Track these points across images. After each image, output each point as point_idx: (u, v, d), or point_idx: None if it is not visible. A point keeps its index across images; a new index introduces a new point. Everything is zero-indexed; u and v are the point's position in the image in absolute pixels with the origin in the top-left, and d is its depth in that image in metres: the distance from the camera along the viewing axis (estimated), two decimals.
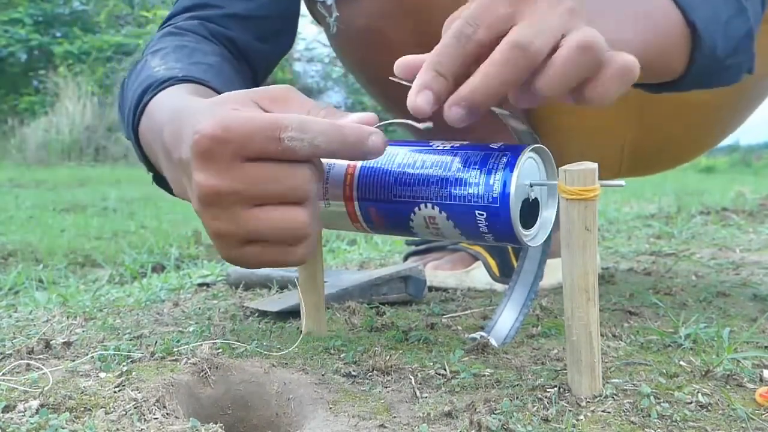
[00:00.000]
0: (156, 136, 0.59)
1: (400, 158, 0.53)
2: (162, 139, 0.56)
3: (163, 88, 0.64)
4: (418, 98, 0.45)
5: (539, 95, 0.46)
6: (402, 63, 0.48)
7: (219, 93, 0.66)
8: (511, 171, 0.48)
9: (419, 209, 0.52)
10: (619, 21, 0.55)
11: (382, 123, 0.50)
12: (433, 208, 0.51)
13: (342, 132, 0.46)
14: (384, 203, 0.53)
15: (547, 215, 0.52)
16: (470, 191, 0.49)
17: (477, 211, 0.49)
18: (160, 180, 0.70)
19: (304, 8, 0.87)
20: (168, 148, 0.54)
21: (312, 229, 0.49)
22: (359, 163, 0.55)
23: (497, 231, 0.49)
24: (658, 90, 0.66)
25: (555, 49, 0.45)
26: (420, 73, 0.46)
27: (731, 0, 0.63)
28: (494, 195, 0.48)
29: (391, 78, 0.48)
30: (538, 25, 0.44)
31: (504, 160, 0.48)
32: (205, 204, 0.48)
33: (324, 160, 0.55)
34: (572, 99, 0.48)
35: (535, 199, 0.51)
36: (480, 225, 0.49)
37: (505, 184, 0.48)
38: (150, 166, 0.69)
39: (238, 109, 0.48)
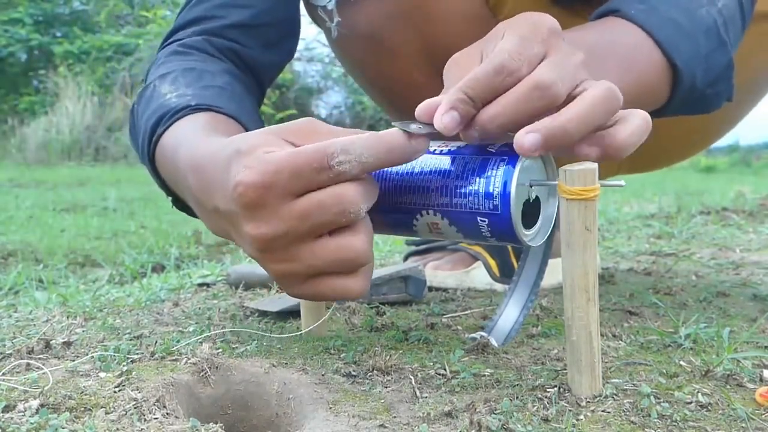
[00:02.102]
0: (178, 177, 0.59)
1: (397, 167, 0.53)
2: (188, 186, 0.56)
3: (177, 119, 0.64)
4: (445, 117, 0.46)
5: (556, 136, 0.47)
6: (424, 108, 0.48)
7: (233, 118, 0.66)
8: (511, 177, 0.48)
9: (421, 215, 0.52)
10: (604, 68, 0.58)
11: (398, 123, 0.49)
12: (435, 214, 0.51)
13: (384, 141, 0.46)
14: (386, 210, 0.53)
15: (547, 215, 0.52)
16: (471, 199, 0.49)
17: (479, 218, 0.49)
18: (182, 205, 0.70)
19: (303, 9, 0.87)
20: (198, 197, 0.54)
21: (367, 256, 0.49)
22: None
23: (499, 234, 0.50)
24: None
25: (572, 96, 0.47)
26: (451, 93, 0.46)
27: (712, 34, 0.65)
28: (495, 203, 0.48)
29: (394, 124, 0.48)
30: (562, 69, 0.47)
31: (503, 165, 0.48)
32: (261, 250, 0.48)
33: None
34: (593, 150, 0.49)
35: (536, 197, 0.51)
36: (482, 230, 0.50)
37: (505, 191, 0.48)
38: (168, 191, 0.69)
39: (272, 150, 0.47)
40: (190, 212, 0.70)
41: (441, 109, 0.46)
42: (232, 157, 0.48)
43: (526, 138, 0.45)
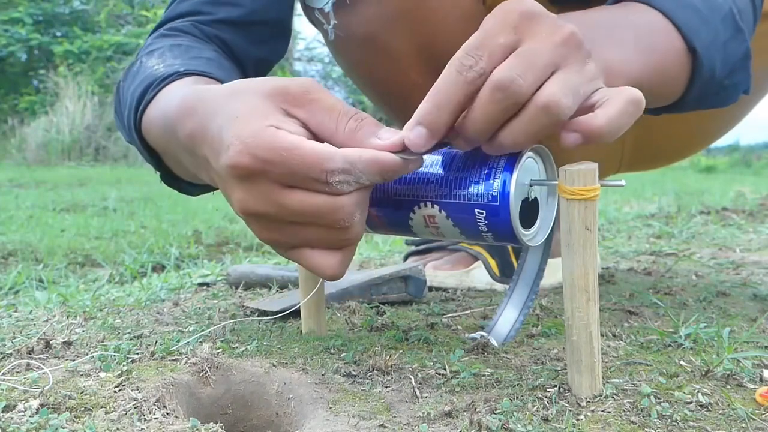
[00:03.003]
0: (167, 131, 0.58)
1: None
2: (179, 136, 0.54)
3: (166, 84, 0.63)
4: (412, 134, 0.45)
5: (499, 146, 0.47)
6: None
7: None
8: (511, 170, 0.48)
9: (419, 208, 0.52)
10: (622, 48, 0.56)
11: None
12: (432, 206, 0.51)
13: (382, 165, 0.46)
14: (383, 202, 0.53)
15: (547, 215, 0.52)
16: (470, 190, 0.49)
17: (476, 210, 0.49)
18: (170, 179, 0.69)
19: (301, 9, 0.87)
20: (187, 144, 0.53)
21: (355, 237, 0.49)
22: None
23: (497, 230, 0.49)
24: (658, 113, 0.67)
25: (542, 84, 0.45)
26: (419, 107, 0.46)
27: (729, 21, 0.64)
28: (494, 193, 0.48)
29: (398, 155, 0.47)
30: (527, 60, 0.44)
31: (504, 159, 0.48)
32: (247, 218, 0.49)
33: None
34: (573, 136, 0.47)
35: (535, 198, 0.51)
36: (479, 223, 0.49)
37: (504, 183, 0.47)
38: (157, 165, 0.68)
39: (273, 126, 0.46)
40: (179, 186, 0.70)
41: (408, 125, 0.46)
42: (228, 122, 0.47)
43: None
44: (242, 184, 0.46)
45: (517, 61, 0.44)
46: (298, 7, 0.87)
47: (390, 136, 0.47)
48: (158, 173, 0.70)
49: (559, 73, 0.45)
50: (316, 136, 0.47)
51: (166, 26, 0.79)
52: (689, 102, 0.65)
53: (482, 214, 0.49)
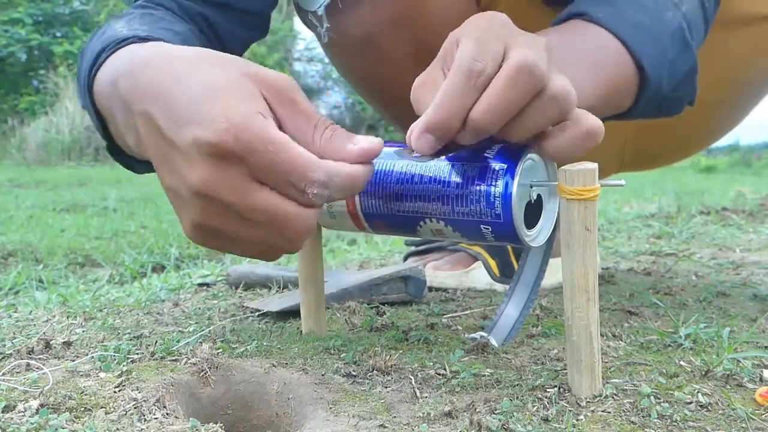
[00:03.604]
0: (111, 87, 0.54)
1: (397, 173, 0.53)
2: (117, 89, 0.51)
3: (124, 46, 0.58)
4: (420, 141, 0.45)
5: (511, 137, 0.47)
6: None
7: None
8: (511, 184, 0.48)
9: (424, 223, 0.52)
10: (576, 70, 0.57)
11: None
12: (438, 222, 0.51)
13: (354, 183, 0.45)
14: (389, 217, 0.54)
15: (549, 215, 0.52)
16: (472, 208, 0.49)
17: (482, 226, 0.50)
18: (115, 152, 0.66)
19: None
20: (127, 99, 0.49)
21: (295, 247, 0.48)
22: None
23: (502, 238, 0.50)
24: (604, 120, 0.68)
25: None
26: (428, 113, 0.45)
27: (677, 38, 0.65)
28: (497, 211, 0.48)
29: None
30: (533, 51, 0.45)
31: (502, 171, 0.48)
32: (199, 198, 0.45)
33: None
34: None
35: (538, 196, 0.51)
36: (486, 235, 0.50)
37: (506, 199, 0.48)
38: (106, 134, 0.64)
39: (261, 114, 0.43)
40: (123, 161, 0.66)
41: (415, 131, 0.45)
42: (207, 92, 0.43)
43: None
44: (212, 164, 0.43)
45: (528, 50, 0.45)
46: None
47: (363, 142, 0.46)
48: (106, 143, 0.66)
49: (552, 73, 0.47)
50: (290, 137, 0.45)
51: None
52: (636, 113, 0.67)
53: (488, 229, 0.50)
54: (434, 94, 0.46)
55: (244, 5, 0.79)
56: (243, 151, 0.42)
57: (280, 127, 0.45)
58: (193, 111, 0.43)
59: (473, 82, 0.45)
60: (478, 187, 0.49)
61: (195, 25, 0.76)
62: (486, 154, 0.49)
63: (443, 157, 0.51)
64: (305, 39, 9.70)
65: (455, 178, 0.50)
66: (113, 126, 0.59)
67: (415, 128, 0.46)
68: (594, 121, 0.48)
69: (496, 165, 0.48)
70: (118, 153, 0.65)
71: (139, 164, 0.66)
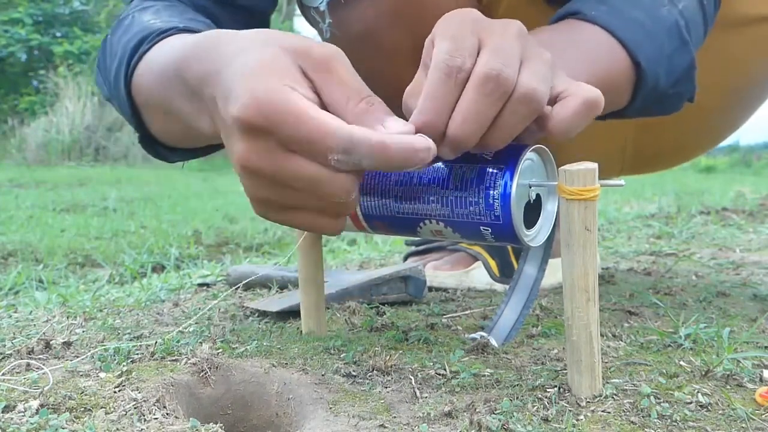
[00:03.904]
0: (165, 77, 0.56)
1: (396, 175, 0.53)
2: (182, 77, 0.53)
3: (165, 37, 0.60)
4: (421, 153, 0.44)
5: (488, 146, 0.47)
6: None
7: None
8: (510, 186, 0.48)
9: (424, 224, 0.52)
10: (569, 65, 0.57)
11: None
12: (438, 223, 0.51)
13: (388, 153, 0.44)
14: (389, 218, 0.54)
15: (547, 215, 0.52)
16: (472, 209, 0.49)
17: (482, 227, 0.50)
18: (148, 143, 0.67)
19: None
20: (195, 86, 0.51)
21: (348, 204, 0.48)
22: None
23: (502, 239, 0.50)
24: (603, 118, 0.69)
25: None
26: (416, 117, 0.46)
27: (674, 34, 0.65)
28: (496, 213, 0.48)
29: None
30: (503, 52, 0.45)
31: (500, 173, 0.48)
32: (244, 173, 0.47)
33: None
34: (535, 132, 0.49)
35: (537, 196, 0.51)
36: (485, 236, 0.50)
37: (505, 201, 0.48)
38: (138, 125, 0.65)
39: (289, 86, 0.44)
40: (155, 151, 0.68)
41: (417, 146, 0.44)
42: (243, 69, 0.45)
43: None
44: (245, 138, 0.45)
45: (494, 55, 0.45)
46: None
47: (396, 126, 0.45)
48: (137, 135, 0.68)
49: (526, 63, 0.46)
50: (326, 107, 0.46)
51: None
52: (633, 110, 0.67)
53: (488, 230, 0.50)
54: None
55: (249, 3, 0.80)
56: (266, 123, 0.44)
57: (320, 98, 0.46)
58: (231, 90, 0.46)
59: (453, 80, 0.45)
60: (477, 189, 0.49)
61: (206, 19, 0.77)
62: (485, 156, 0.49)
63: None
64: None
65: (454, 180, 0.50)
66: (160, 118, 0.60)
67: (414, 141, 0.45)
68: (591, 90, 0.48)
69: (495, 166, 0.49)
70: (151, 144, 0.66)
71: (172, 153, 0.68)
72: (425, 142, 0.44)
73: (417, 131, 0.45)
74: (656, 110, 0.69)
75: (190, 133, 0.59)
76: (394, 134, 0.44)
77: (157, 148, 0.67)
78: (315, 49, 0.47)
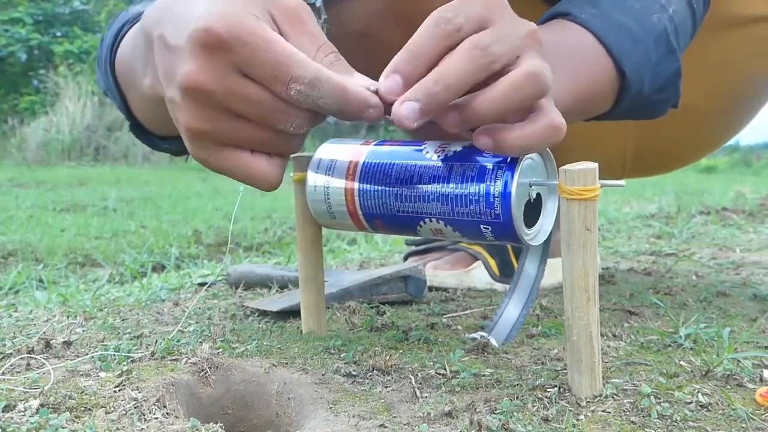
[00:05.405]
0: (133, 44, 0.55)
1: (396, 173, 0.53)
2: (143, 27, 0.51)
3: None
4: (387, 81, 0.45)
5: (475, 114, 0.46)
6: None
7: None
8: (510, 184, 0.48)
9: (424, 222, 0.52)
10: (555, 70, 0.57)
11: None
12: (438, 222, 0.51)
13: (347, 99, 0.44)
14: (389, 217, 0.54)
15: (548, 213, 0.52)
16: (472, 208, 0.49)
17: (482, 225, 0.50)
18: (139, 131, 0.66)
19: None
20: (150, 29, 0.50)
21: (273, 178, 0.48)
22: (357, 181, 0.55)
23: (502, 237, 0.50)
24: (587, 120, 0.69)
25: (506, 69, 0.46)
26: (395, 57, 0.45)
27: (661, 42, 0.65)
28: (496, 211, 0.48)
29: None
30: (501, 34, 0.45)
31: (501, 171, 0.48)
32: (189, 94, 0.45)
33: (322, 180, 0.56)
34: (489, 141, 0.48)
35: (537, 195, 0.51)
36: (486, 234, 0.50)
37: (505, 199, 0.48)
38: (129, 113, 0.64)
39: (256, 15, 0.44)
40: (149, 140, 0.67)
41: (384, 73, 0.45)
42: (210, 1, 0.44)
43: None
44: (200, 55, 0.43)
45: (493, 34, 0.45)
46: None
47: (362, 81, 0.46)
48: (129, 123, 0.67)
49: (531, 53, 0.47)
50: None
51: None
52: (616, 114, 0.67)
53: (488, 229, 0.50)
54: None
55: None
56: (233, 39, 0.42)
57: None
58: (193, 13, 0.44)
59: (441, 28, 0.45)
60: (477, 187, 0.49)
61: None
62: (485, 154, 0.50)
63: (442, 155, 0.51)
64: None
65: (454, 178, 0.50)
66: (135, 97, 0.60)
67: (385, 70, 0.45)
68: (559, 116, 0.48)
69: (495, 164, 0.49)
70: (141, 132, 0.66)
71: (161, 141, 0.67)
72: (378, 101, 0.45)
73: (396, 67, 0.45)
74: (640, 115, 0.69)
75: (151, 108, 0.57)
76: (355, 84, 0.45)
77: (149, 136, 0.66)
78: (285, 1, 0.46)
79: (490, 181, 0.48)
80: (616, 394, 0.51)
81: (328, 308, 0.80)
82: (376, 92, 0.46)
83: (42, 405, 0.48)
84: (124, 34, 0.61)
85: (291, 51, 0.43)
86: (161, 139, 0.67)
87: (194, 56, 0.43)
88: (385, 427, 0.46)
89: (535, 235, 0.52)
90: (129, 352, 0.60)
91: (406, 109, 0.44)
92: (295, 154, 0.57)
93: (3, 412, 0.47)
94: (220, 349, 0.61)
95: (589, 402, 0.49)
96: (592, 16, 0.63)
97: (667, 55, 0.65)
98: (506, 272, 0.99)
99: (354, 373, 0.56)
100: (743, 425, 0.47)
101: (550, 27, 0.64)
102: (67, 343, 0.64)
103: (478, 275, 0.98)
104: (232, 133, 0.46)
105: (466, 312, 0.81)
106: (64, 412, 0.47)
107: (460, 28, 0.45)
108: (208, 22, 0.42)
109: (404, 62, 0.45)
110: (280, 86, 0.44)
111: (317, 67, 0.44)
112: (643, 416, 0.48)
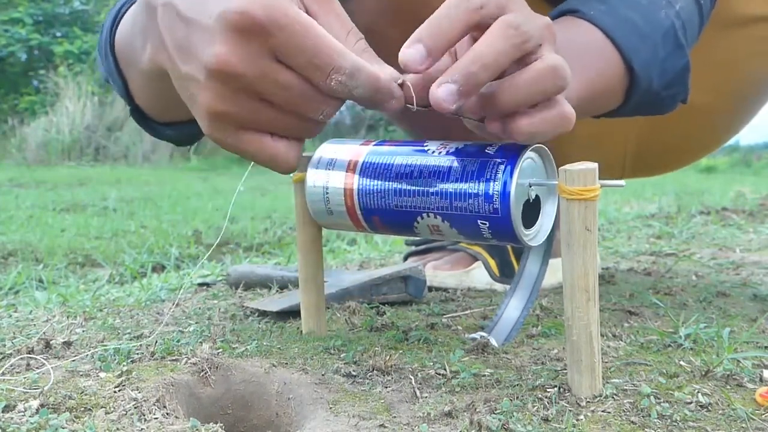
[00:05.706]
0: (133, 19, 0.54)
1: (397, 168, 0.53)
2: (141, 3, 0.50)
3: None
4: (410, 50, 0.44)
5: (497, 102, 0.46)
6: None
7: None
8: (510, 179, 0.48)
9: (422, 218, 0.52)
10: None
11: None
12: (435, 217, 0.51)
13: (378, 88, 0.44)
14: (387, 212, 0.54)
15: (547, 214, 0.52)
16: (471, 202, 0.49)
17: (479, 221, 0.49)
18: (140, 117, 0.65)
19: None
20: (150, 1, 0.48)
21: (292, 161, 0.47)
22: (356, 179, 0.55)
23: (500, 235, 0.50)
24: (597, 117, 0.69)
25: (530, 58, 0.46)
26: (419, 28, 0.45)
27: (669, 38, 0.65)
28: (495, 206, 0.48)
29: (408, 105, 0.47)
30: (527, 17, 0.46)
31: (501, 167, 0.48)
32: (216, 76, 0.43)
33: (321, 179, 0.56)
34: (499, 127, 0.48)
35: (536, 196, 0.51)
36: (483, 231, 0.50)
37: (504, 194, 0.48)
38: (130, 97, 0.64)
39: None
40: (148, 126, 0.66)
41: (406, 43, 0.44)
42: None
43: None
44: (233, 38, 0.41)
45: (519, 16, 0.45)
46: None
47: (390, 71, 0.46)
48: (130, 109, 0.66)
49: (550, 46, 0.47)
50: None
51: None
52: (626, 110, 0.67)
53: (485, 224, 0.49)
54: None
55: None
56: (270, 24, 0.41)
57: None
58: None
59: (466, 3, 0.44)
60: (477, 181, 0.49)
61: None
62: (486, 150, 0.50)
63: (444, 152, 0.51)
64: None
65: (454, 173, 0.50)
66: (135, 77, 0.59)
67: (408, 41, 0.45)
68: (569, 107, 0.48)
69: (496, 160, 0.49)
70: (142, 118, 0.65)
71: (163, 127, 0.66)
72: (401, 93, 0.46)
73: (420, 36, 0.44)
74: (650, 111, 0.69)
75: (152, 86, 0.56)
76: (385, 74, 0.45)
77: (150, 122, 0.66)
78: None
79: (490, 177, 0.48)
80: (616, 394, 0.51)
81: (328, 308, 0.80)
82: (401, 84, 0.46)
83: (42, 405, 0.48)
84: (124, 14, 0.60)
85: (329, 40, 0.42)
86: (163, 125, 0.66)
87: (226, 38, 0.42)
88: (385, 427, 0.46)
89: (534, 236, 0.52)
90: (129, 353, 0.60)
91: (443, 91, 0.43)
92: None
93: (3, 412, 0.47)
94: (220, 350, 0.61)
95: (589, 402, 0.49)
96: (601, 13, 0.63)
97: (676, 50, 0.65)
98: (506, 272, 0.99)
99: (354, 373, 0.56)
100: (743, 425, 0.47)
101: (558, 24, 0.64)
102: (67, 344, 0.64)
103: (478, 275, 0.98)
104: (255, 116, 0.45)
105: (466, 312, 0.81)
106: (64, 412, 0.47)
107: (482, 6, 0.44)
108: (243, 4, 0.41)
109: (427, 32, 0.44)
110: (319, 75, 0.43)
111: (356, 58, 0.43)
112: (643, 416, 0.48)
